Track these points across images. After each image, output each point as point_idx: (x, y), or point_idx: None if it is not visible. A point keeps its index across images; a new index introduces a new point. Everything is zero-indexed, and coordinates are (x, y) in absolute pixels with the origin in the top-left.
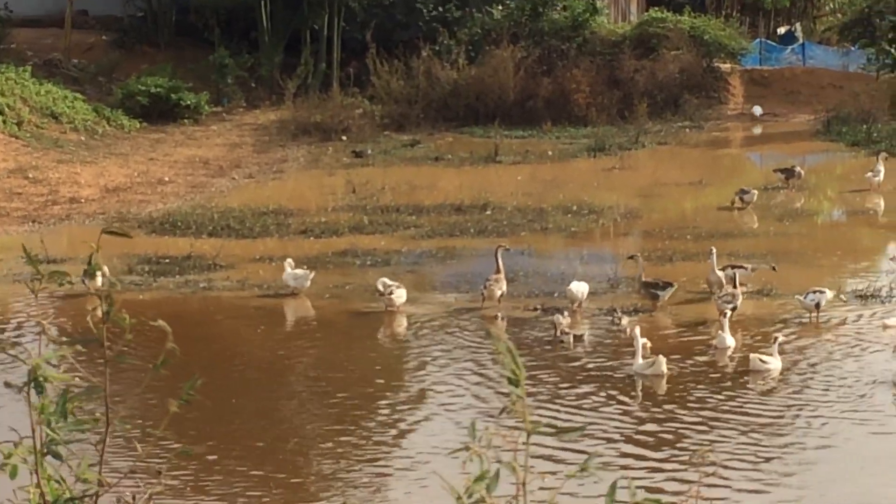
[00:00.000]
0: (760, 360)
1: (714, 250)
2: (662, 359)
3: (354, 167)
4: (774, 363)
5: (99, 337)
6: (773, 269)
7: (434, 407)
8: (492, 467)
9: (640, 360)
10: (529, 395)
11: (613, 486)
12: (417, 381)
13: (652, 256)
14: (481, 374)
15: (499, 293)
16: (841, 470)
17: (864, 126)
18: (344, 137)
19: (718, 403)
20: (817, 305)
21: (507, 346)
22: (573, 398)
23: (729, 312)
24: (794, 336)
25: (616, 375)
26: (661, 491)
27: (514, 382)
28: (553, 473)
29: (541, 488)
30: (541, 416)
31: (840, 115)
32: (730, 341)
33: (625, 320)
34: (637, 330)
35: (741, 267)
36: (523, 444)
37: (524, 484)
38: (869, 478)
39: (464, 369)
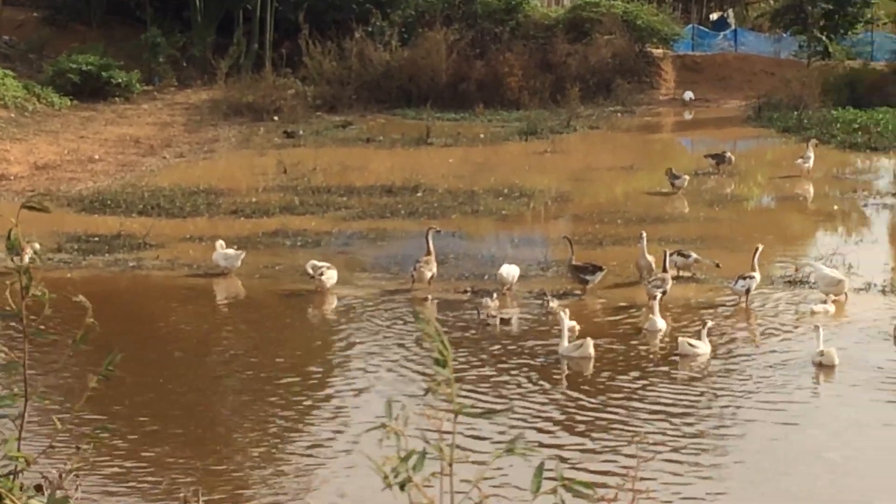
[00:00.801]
0: (689, 345)
1: (644, 235)
2: (590, 341)
3: (286, 148)
4: (703, 348)
5: (17, 312)
6: (717, 266)
7: (362, 388)
8: (417, 447)
9: (566, 343)
10: (456, 377)
11: (540, 468)
12: (346, 362)
13: (582, 240)
14: (410, 356)
15: (429, 275)
16: (758, 461)
17: (795, 112)
18: (276, 118)
19: (645, 387)
20: (747, 291)
21: (434, 328)
22: (499, 380)
23: (659, 296)
24: (723, 321)
25: (543, 358)
26: (586, 472)
27: (440, 363)
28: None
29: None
30: (467, 398)
31: (771, 101)
32: (660, 325)
33: (554, 303)
34: (564, 312)
35: (686, 255)
36: (449, 424)
37: (451, 464)
38: (783, 469)
39: (392, 351)
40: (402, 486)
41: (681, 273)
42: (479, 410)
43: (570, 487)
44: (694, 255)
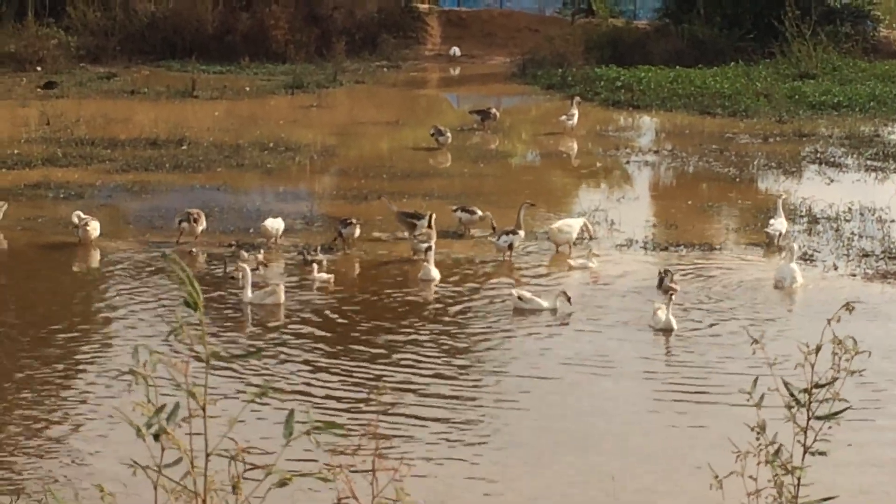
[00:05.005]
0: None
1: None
2: (282, 287)
3: (49, 99)
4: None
5: None
6: (493, 228)
7: (125, 340)
8: (169, 392)
9: (249, 293)
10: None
11: (291, 414)
12: (109, 315)
13: (348, 195)
14: (171, 308)
15: (200, 229)
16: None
17: (559, 70)
18: (38, 68)
19: (400, 338)
20: (510, 246)
21: (184, 270)
22: (235, 331)
23: (433, 247)
24: (486, 276)
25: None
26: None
27: (191, 305)
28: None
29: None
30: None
31: (535, 58)
32: (434, 274)
33: (320, 256)
34: (247, 265)
35: (471, 211)
36: (203, 369)
37: (205, 408)
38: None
39: (156, 303)
40: (156, 437)
41: (462, 229)
42: (229, 356)
43: (322, 429)
44: (479, 213)
